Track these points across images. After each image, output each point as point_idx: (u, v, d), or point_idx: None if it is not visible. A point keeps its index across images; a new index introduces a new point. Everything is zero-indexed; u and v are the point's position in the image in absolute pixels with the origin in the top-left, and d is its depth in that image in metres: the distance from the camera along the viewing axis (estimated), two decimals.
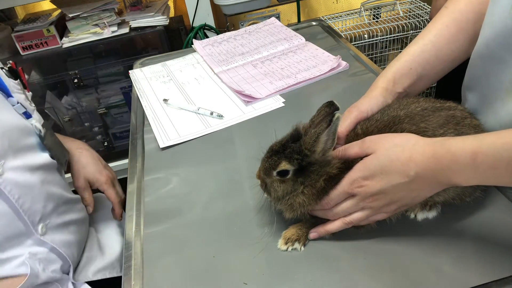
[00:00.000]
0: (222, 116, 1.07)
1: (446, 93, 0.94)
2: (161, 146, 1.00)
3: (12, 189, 0.80)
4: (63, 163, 1.00)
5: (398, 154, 0.61)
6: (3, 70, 0.91)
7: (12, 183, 0.80)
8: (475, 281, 0.60)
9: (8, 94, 0.87)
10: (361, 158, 0.65)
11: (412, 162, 0.59)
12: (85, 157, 1.11)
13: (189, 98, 1.18)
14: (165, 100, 1.17)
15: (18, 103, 0.88)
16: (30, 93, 0.99)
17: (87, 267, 0.99)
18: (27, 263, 0.81)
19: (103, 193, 1.12)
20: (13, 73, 0.93)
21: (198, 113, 1.11)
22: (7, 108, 0.87)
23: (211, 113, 1.08)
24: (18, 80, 0.94)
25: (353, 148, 0.66)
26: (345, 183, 0.65)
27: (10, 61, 0.97)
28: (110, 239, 1.10)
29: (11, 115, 0.87)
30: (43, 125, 0.93)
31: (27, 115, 0.90)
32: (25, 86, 0.97)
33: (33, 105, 0.97)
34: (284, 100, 1.11)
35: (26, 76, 1.00)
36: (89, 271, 0.98)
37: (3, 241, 0.79)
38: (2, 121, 0.83)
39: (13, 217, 0.81)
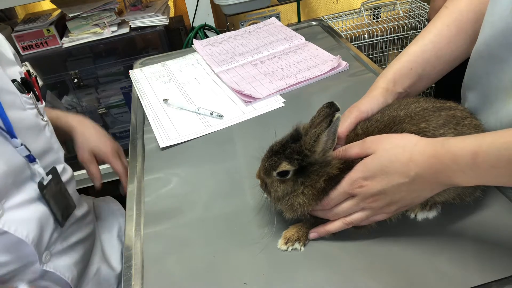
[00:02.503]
0: (222, 116, 1.07)
1: (446, 92, 0.94)
2: (161, 146, 1.00)
3: (18, 227, 0.76)
4: (61, 218, 0.89)
5: (399, 155, 0.61)
6: (16, 83, 0.85)
7: (17, 221, 0.77)
8: (475, 281, 0.60)
9: (12, 135, 0.80)
10: (362, 158, 0.65)
11: (412, 163, 0.59)
12: (88, 130, 1.10)
13: (189, 98, 1.18)
14: (165, 100, 1.17)
15: (22, 145, 0.81)
16: (43, 104, 0.95)
17: (86, 285, 0.97)
18: None
19: (110, 165, 1.12)
20: (26, 85, 0.88)
21: (198, 113, 1.11)
22: (11, 147, 0.80)
23: (211, 113, 1.08)
24: (31, 93, 0.89)
25: (354, 149, 0.66)
26: (345, 184, 0.65)
27: (25, 65, 0.92)
28: (113, 249, 1.09)
29: (15, 154, 0.81)
30: (48, 173, 0.86)
31: (31, 159, 0.83)
32: (38, 98, 0.92)
33: (46, 118, 0.93)
34: (284, 100, 1.11)
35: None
36: None
37: (5, 275, 0.77)
38: (7, 157, 0.78)
39: (19, 253, 0.78)
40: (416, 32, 2.04)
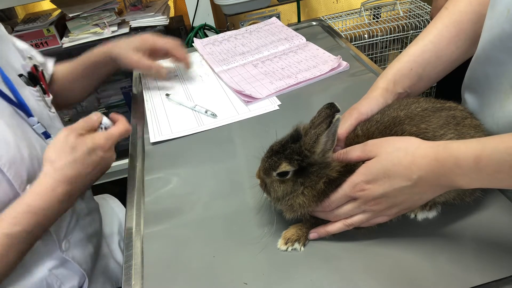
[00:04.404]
0: (215, 115, 1.08)
1: (446, 93, 0.94)
2: (152, 140, 1.01)
3: None
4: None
5: (401, 158, 0.61)
6: (22, 77, 0.89)
7: None
8: (475, 281, 0.60)
9: (29, 114, 0.85)
10: (363, 161, 0.65)
11: (414, 166, 0.59)
12: (120, 43, 1.16)
13: (190, 94, 1.19)
14: (167, 94, 1.18)
15: (38, 122, 0.86)
16: (50, 97, 0.97)
17: (97, 279, 0.98)
18: (45, 281, 0.82)
19: (156, 45, 1.17)
20: (33, 79, 0.92)
21: (195, 110, 1.11)
22: (29, 128, 0.85)
23: (206, 111, 1.09)
24: (38, 86, 0.92)
25: (355, 152, 0.66)
26: (347, 187, 0.65)
27: (31, 62, 0.95)
28: (116, 244, 1.10)
29: (36, 137, 0.86)
30: None
31: (46, 135, 0.88)
32: (45, 91, 0.95)
33: (53, 110, 0.96)
34: (280, 102, 1.10)
35: None
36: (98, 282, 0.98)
37: (27, 260, 0.78)
38: (29, 140, 0.82)
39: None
40: (416, 32, 2.04)
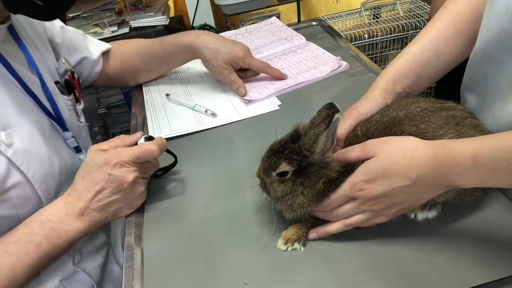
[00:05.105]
0: (215, 114, 1.08)
1: (446, 92, 0.94)
2: None
3: None
4: None
5: (400, 157, 0.61)
6: (58, 85, 0.89)
7: None
8: (475, 281, 0.60)
9: (64, 128, 0.85)
10: (362, 161, 0.65)
11: (413, 165, 0.59)
12: (211, 42, 1.10)
13: (190, 94, 1.19)
14: (167, 94, 1.19)
15: (72, 137, 0.86)
16: (82, 105, 0.97)
17: (104, 286, 0.98)
18: None
19: (249, 66, 1.13)
20: (68, 87, 0.92)
21: (195, 110, 1.11)
22: (62, 141, 0.86)
23: (206, 111, 1.09)
24: (71, 95, 0.92)
25: (354, 152, 0.66)
26: (346, 187, 0.65)
27: (68, 70, 0.94)
28: (119, 247, 1.09)
29: (67, 149, 0.87)
30: None
31: (78, 150, 0.88)
32: (77, 99, 0.95)
33: (82, 120, 0.96)
34: (282, 100, 1.10)
35: None
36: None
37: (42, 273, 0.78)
38: (60, 153, 0.82)
39: None
40: (416, 32, 2.04)
